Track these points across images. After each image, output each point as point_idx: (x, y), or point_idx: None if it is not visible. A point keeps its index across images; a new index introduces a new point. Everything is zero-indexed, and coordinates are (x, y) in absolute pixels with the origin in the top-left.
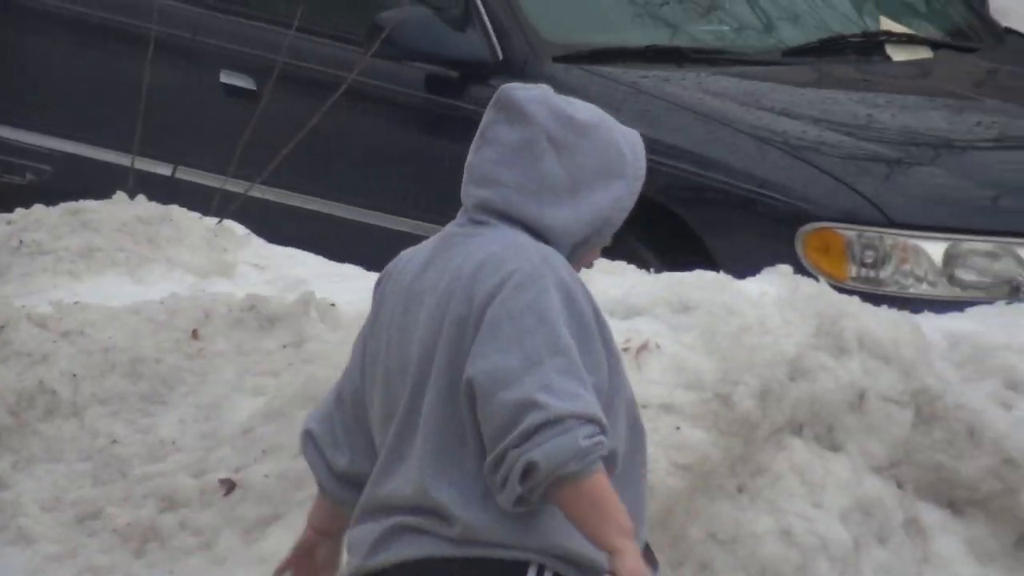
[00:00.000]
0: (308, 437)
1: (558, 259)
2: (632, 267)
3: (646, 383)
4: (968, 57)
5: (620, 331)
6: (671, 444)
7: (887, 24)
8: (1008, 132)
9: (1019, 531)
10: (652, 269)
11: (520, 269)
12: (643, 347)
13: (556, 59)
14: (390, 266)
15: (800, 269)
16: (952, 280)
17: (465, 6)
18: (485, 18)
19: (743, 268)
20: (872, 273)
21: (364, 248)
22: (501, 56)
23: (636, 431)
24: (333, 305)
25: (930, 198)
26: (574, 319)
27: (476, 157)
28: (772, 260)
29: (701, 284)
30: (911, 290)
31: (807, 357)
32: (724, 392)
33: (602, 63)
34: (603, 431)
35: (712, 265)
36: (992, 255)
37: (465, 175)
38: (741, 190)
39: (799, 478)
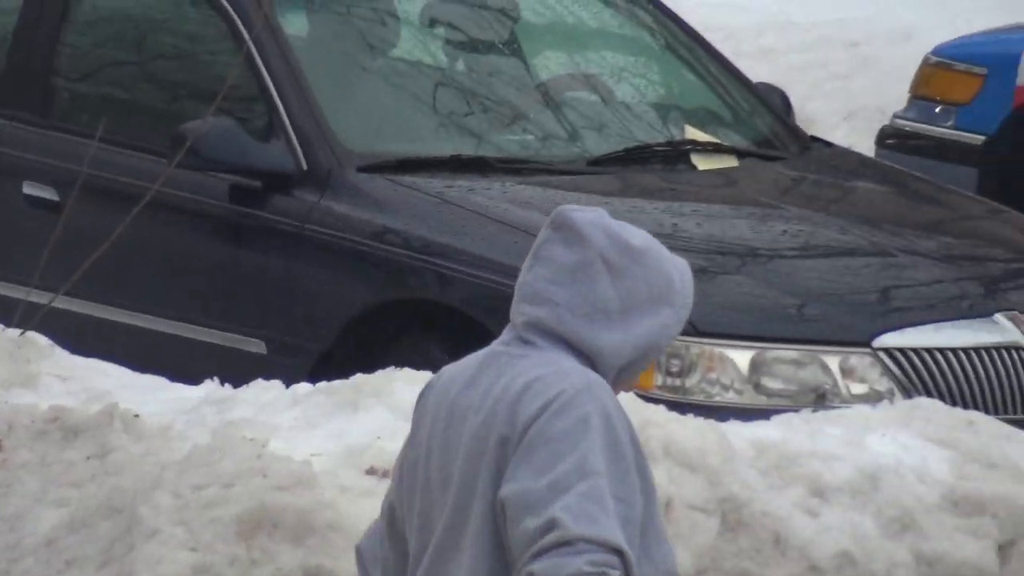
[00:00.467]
0: (357, 553)
1: (602, 386)
2: None
3: None
4: (773, 165)
5: None
6: None
7: (692, 133)
8: (812, 241)
9: None
10: None
11: (564, 393)
12: None
13: (360, 169)
14: (433, 379)
15: None
16: (758, 388)
17: (269, 117)
18: (289, 129)
19: None
20: (678, 382)
21: (168, 359)
22: (305, 166)
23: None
24: (137, 416)
25: (735, 307)
26: (610, 447)
27: (529, 275)
28: None
29: None
30: (717, 398)
31: None
32: None
33: (407, 173)
34: (622, 559)
35: None
36: (797, 363)
37: (516, 293)
38: None
39: None
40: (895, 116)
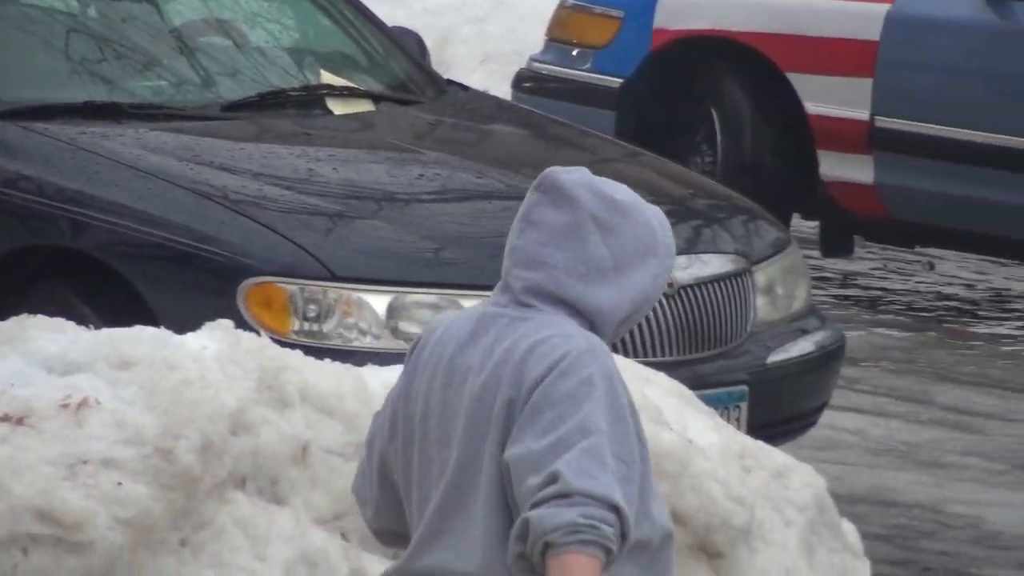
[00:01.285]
0: (354, 492)
1: (603, 349)
2: (72, 323)
3: (86, 439)
4: (409, 109)
5: (59, 388)
6: (112, 499)
7: (327, 77)
8: (449, 184)
9: None
10: (92, 326)
11: (568, 356)
12: (83, 404)
13: None
14: (425, 334)
15: (243, 324)
16: (396, 333)
17: None
18: None
19: (185, 323)
20: (315, 327)
21: None
22: None
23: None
24: None
25: (372, 251)
26: (612, 408)
27: (521, 239)
28: (214, 315)
29: (141, 340)
30: (355, 343)
31: (249, 411)
32: (165, 447)
33: (40, 119)
34: (618, 516)
35: (153, 321)
36: (436, 307)
37: (508, 258)
38: (181, 245)
39: (242, 532)
40: (532, 59)
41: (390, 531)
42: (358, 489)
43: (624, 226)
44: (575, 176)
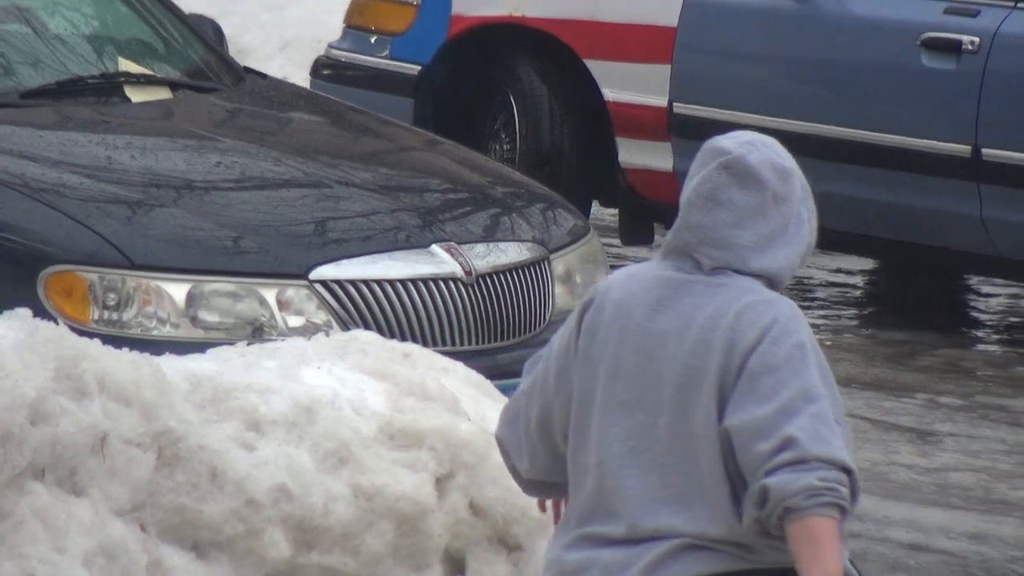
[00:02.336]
0: (498, 441)
1: (800, 313)
2: None
3: None
4: (208, 97)
5: None
6: None
7: (126, 65)
8: (248, 172)
9: (263, 572)
10: None
11: (777, 322)
12: None
13: None
14: (597, 297)
15: (42, 312)
16: (195, 321)
17: None
18: None
19: None
20: (115, 316)
21: None
22: None
23: None
24: None
25: (171, 240)
26: (823, 372)
27: (710, 219)
28: (14, 304)
29: None
30: (154, 332)
31: (47, 400)
32: None
33: None
34: (850, 479)
35: None
36: (234, 296)
37: (693, 234)
38: None
39: (41, 523)
40: (330, 46)
41: (543, 481)
42: (505, 437)
43: (790, 191)
44: (759, 156)
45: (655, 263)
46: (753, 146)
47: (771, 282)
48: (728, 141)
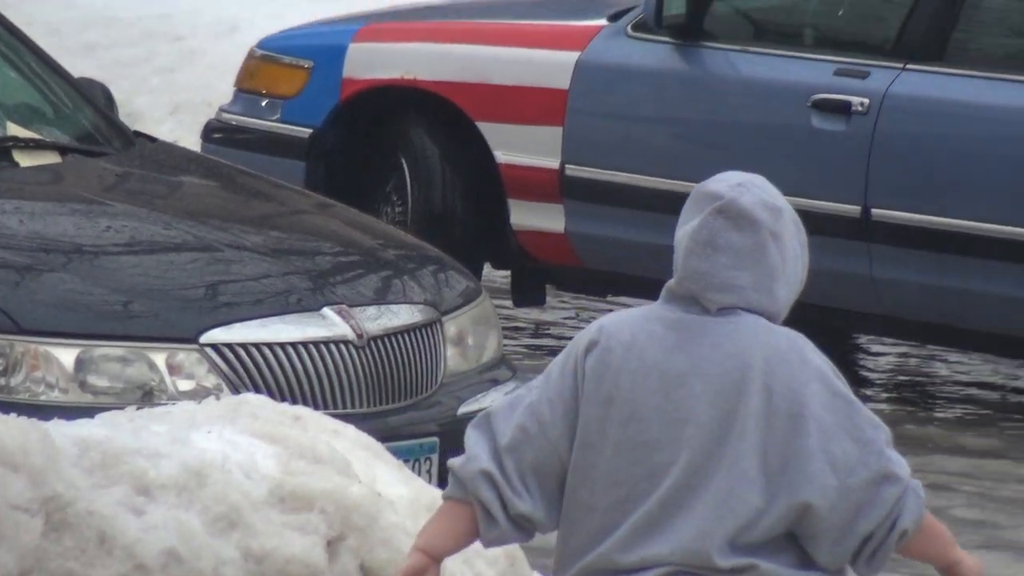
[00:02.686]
0: (487, 477)
1: (811, 343)
2: None
3: None
4: (97, 161)
5: None
6: None
7: (14, 130)
8: (138, 236)
9: None
10: None
11: (806, 361)
12: None
13: None
14: (602, 339)
15: None
16: (84, 386)
17: None
18: None
19: None
20: (2, 381)
21: None
22: None
23: None
24: None
25: (60, 304)
26: (849, 389)
27: (709, 264)
28: None
29: None
30: (42, 397)
31: None
32: None
33: None
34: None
35: None
36: (124, 360)
37: (695, 280)
38: None
39: None
40: (221, 110)
41: (535, 521)
42: (495, 475)
43: (784, 228)
44: (752, 198)
45: (659, 306)
46: (744, 188)
47: (771, 319)
48: (719, 185)
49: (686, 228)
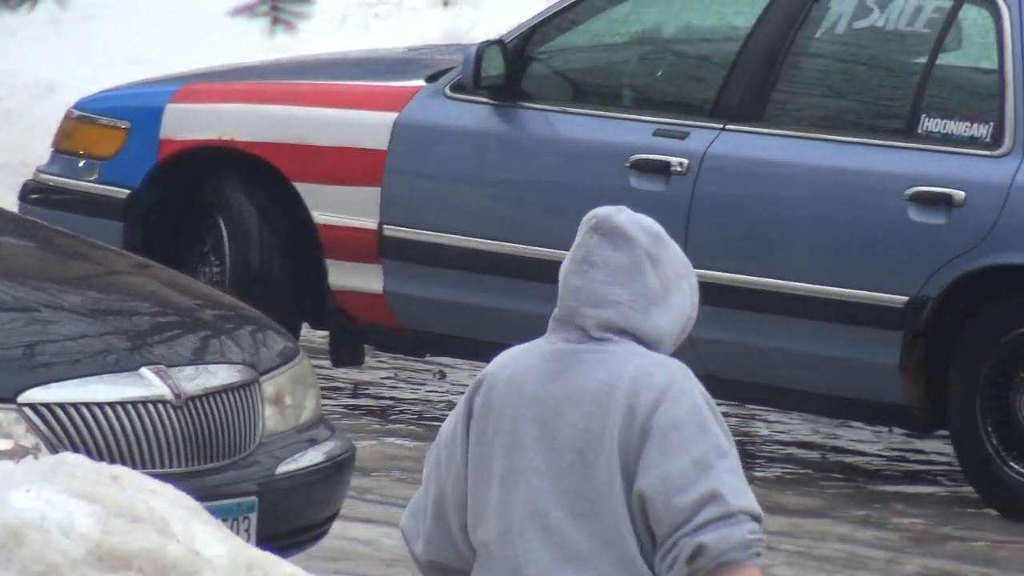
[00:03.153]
0: (402, 531)
1: (690, 371)
2: None
3: None
4: None
5: None
6: None
7: None
8: None
9: None
10: None
11: (672, 383)
12: None
13: None
14: (487, 379)
15: None
16: None
17: None
18: None
19: None
20: None
21: None
22: None
23: None
24: None
25: None
26: (721, 425)
27: (586, 280)
28: None
29: None
30: None
31: None
32: None
33: None
34: (761, 529)
35: None
36: None
37: (573, 298)
38: None
39: None
40: (39, 170)
41: (437, 564)
42: (408, 528)
43: (665, 255)
44: (627, 217)
45: (544, 339)
46: (623, 210)
47: (650, 346)
48: (599, 209)
49: (568, 253)
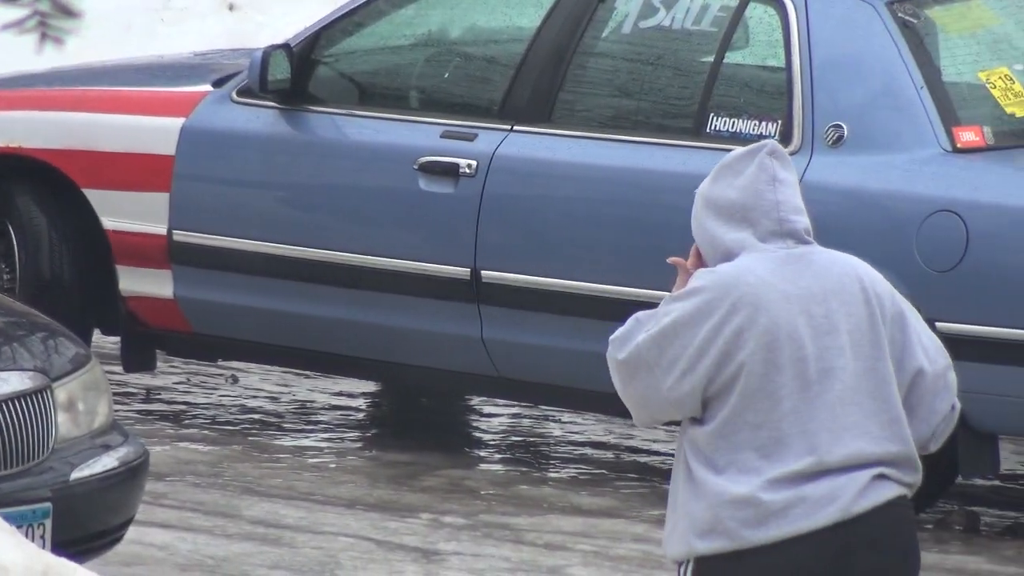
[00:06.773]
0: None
1: None
2: None
3: None
4: None
5: None
6: None
7: None
8: None
9: None
10: None
11: (877, 274)
12: None
13: None
14: (729, 280)
15: None
16: None
17: None
18: None
19: None
20: None
21: None
22: None
23: None
24: None
25: None
26: None
27: (781, 194)
28: None
29: None
30: None
31: None
32: None
33: None
34: None
35: None
36: None
37: (778, 209)
38: None
39: None
40: None
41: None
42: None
43: None
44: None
45: (761, 254)
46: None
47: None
48: (752, 144)
49: (737, 184)
